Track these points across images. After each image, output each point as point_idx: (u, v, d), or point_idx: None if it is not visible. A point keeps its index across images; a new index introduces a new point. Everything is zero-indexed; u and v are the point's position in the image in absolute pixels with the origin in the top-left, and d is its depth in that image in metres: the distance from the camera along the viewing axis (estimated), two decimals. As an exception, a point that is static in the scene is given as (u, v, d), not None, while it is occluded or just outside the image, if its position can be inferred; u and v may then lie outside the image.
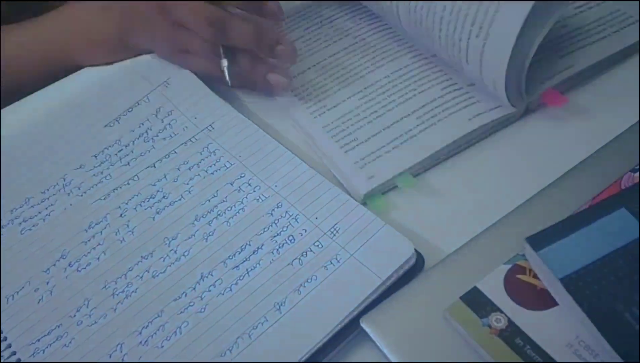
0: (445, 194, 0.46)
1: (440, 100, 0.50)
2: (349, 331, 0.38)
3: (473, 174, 0.47)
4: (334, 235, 0.42)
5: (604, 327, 0.34)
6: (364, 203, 0.45)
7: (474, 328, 0.36)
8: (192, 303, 0.40)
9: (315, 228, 0.43)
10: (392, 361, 0.36)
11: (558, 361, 0.34)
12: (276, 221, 0.44)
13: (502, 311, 0.36)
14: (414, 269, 0.41)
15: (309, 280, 0.40)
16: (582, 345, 0.35)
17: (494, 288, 0.37)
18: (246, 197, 0.46)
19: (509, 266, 0.38)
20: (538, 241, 0.37)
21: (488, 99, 0.49)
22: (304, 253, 0.42)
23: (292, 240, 0.43)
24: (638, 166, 0.41)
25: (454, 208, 0.45)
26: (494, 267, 0.38)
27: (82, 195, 0.48)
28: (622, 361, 0.33)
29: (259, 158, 0.48)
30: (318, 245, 0.42)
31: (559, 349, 0.35)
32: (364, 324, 0.38)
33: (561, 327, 0.35)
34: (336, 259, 0.41)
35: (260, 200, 0.45)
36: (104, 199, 0.47)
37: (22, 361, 0.39)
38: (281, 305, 0.39)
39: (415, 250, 0.41)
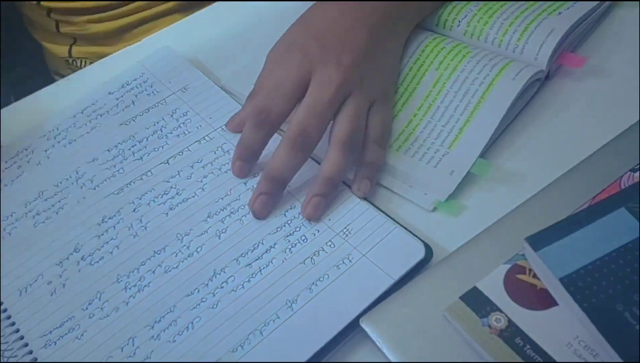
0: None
1: (474, 73, 0.50)
2: (350, 330, 0.39)
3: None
4: (347, 236, 0.43)
5: (604, 326, 0.34)
6: (435, 208, 0.45)
7: (473, 328, 0.36)
8: (204, 299, 0.41)
9: (327, 229, 0.43)
10: (392, 361, 0.36)
11: (558, 361, 0.34)
12: (289, 222, 0.44)
13: (501, 311, 0.36)
14: (423, 261, 0.41)
15: (321, 279, 0.41)
16: (582, 345, 0.35)
17: (493, 288, 0.37)
18: None
19: (508, 266, 0.38)
20: (538, 241, 0.37)
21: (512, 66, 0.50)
22: (317, 253, 0.42)
23: (305, 240, 0.43)
24: (638, 166, 0.41)
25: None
26: (493, 267, 0.38)
27: (95, 188, 0.48)
28: (622, 361, 0.33)
29: None
30: (330, 245, 0.42)
31: (558, 349, 0.35)
32: (364, 324, 0.38)
33: (561, 326, 0.35)
34: (348, 259, 0.42)
35: None
36: (118, 193, 0.47)
37: (33, 350, 0.39)
38: (293, 302, 0.40)
39: (424, 244, 0.42)
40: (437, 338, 0.37)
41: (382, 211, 0.44)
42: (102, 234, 0.45)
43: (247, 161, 0.47)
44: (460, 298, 0.37)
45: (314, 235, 0.43)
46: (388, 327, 0.38)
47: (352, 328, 0.39)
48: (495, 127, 0.47)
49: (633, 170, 0.41)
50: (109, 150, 0.50)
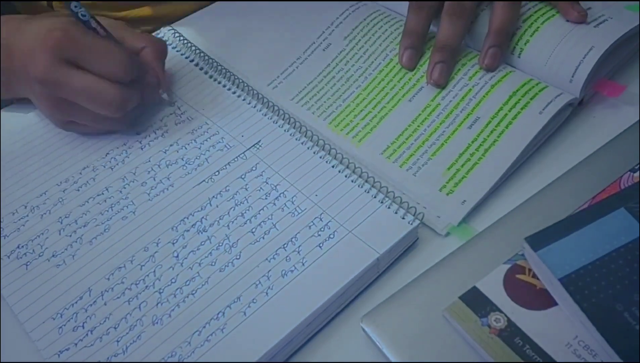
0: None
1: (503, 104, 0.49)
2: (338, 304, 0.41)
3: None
4: (334, 213, 0.44)
5: (603, 326, 0.34)
6: (448, 233, 0.44)
7: (473, 327, 0.36)
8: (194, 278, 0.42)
9: (314, 206, 0.45)
10: (392, 361, 0.37)
11: (557, 361, 0.34)
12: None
13: (501, 311, 0.36)
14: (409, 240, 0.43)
15: (306, 257, 0.42)
16: (582, 345, 0.35)
17: (493, 287, 0.37)
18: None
19: (508, 266, 0.38)
20: (537, 241, 0.37)
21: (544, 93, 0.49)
22: (303, 230, 0.44)
23: (294, 214, 0.45)
24: (637, 166, 0.41)
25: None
26: (493, 267, 0.38)
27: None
28: (622, 361, 0.33)
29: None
30: (317, 222, 0.44)
31: (558, 349, 0.35)
32: (364, 324, 0.38)
33: (560, 326, 0.35)
34: (334, 235, 0.43)
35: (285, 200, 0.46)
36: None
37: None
38: (270, 287, 0.41)
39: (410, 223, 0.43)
40: (437, 338, 0.37)
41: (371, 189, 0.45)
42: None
43: (414, 48, 0.52)
44: (460, 298, 0.37)
45: (302, 211, 0.45)
46: (388, 327, 0.38)
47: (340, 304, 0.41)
48: (513, 160, 0.46)
49: (633, 170, 0.41)
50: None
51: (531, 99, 0.48)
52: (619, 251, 0.36)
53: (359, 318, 0.39)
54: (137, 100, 0.49)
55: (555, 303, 0.36)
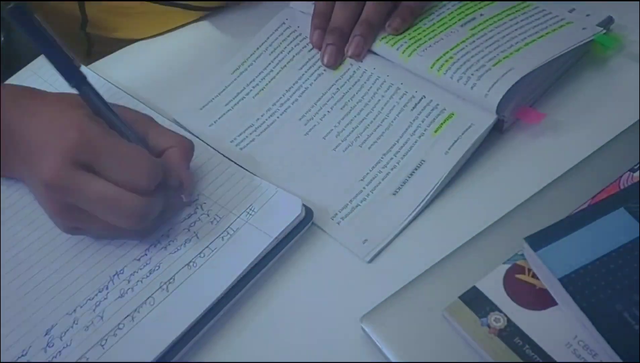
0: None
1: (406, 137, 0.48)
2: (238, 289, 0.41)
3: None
4: (231, 206, 0.45)
5: (603, 326, 0.34)
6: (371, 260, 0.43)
7: (473, 327, 0.36)
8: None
9: (213, 203, 0.45)
10: (392, 361, 0.37)
11: (557, 361, 0.34)
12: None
13: (501, 311, 0.36)
14: (304, 222, 0.44)
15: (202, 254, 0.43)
16: (581, 345, 0.35)
17: (493, 287, 0.37)
18: None
19: (508, 265, 0.38)
20: (537, 240, 0.37)
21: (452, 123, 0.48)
22: (200, 229, 0.44)
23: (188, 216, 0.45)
24: (637, 166, 0.41)
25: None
26: (493, 267, 0.38)
27: None
28: (621, 361, 0.33)
29: None
30: (215, 219, 0.45)
31: (558, 349, 0.35)
32: (364, 324, 0.38)
33: (560, 326, 0.36)
34: (232, 228, 0.44)
35: None
36: None
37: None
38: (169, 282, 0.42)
39: (304, 205, 0.44)
40: (437, 338, 0.37)
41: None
42: None
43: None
44: (460, 298, 0.37)
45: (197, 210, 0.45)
46: (388, 327, 0.38)
47: (240, 288, 0.41)
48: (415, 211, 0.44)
49: (632, 170, 0.41)
50: None
51: (439, 126, 0.48)
52: (619, 251, 0.36)
53: (359, 318, 0.39)
54: (159, 209, 0.43)
55: (555, 303, 0.36)
